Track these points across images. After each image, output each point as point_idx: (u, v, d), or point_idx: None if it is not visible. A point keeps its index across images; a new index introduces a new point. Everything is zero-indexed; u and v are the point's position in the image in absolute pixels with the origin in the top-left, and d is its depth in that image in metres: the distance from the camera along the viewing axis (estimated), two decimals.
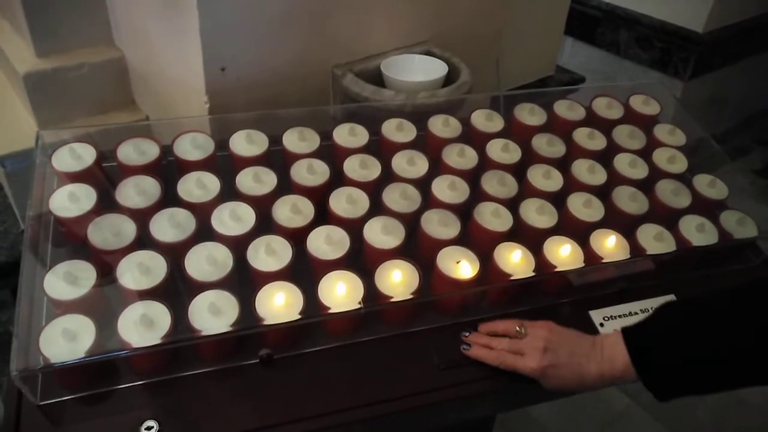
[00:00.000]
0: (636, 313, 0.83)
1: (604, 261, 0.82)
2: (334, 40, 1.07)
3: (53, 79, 1.09)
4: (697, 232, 0.88)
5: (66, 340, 0.64)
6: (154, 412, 0.66)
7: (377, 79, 1.11)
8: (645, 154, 1.01)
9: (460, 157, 0.93)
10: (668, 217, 0.91)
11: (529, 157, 0.97)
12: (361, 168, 0.89)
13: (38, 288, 0.69)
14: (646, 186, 0.94)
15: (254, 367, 0.71)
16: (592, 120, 1.08)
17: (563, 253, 0.82)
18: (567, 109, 1.08)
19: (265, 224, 0.79)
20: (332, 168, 0.88)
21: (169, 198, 0.81)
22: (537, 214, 0.86)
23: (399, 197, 0.85)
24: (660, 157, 1.00)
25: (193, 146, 0.87)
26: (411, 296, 0.74)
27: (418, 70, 1.13)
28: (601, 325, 0.81)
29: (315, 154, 0.90)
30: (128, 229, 0.76)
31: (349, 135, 0.94)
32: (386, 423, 0.71)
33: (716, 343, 0.63)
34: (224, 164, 0.88)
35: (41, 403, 0.65)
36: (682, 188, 0.95)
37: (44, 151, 0.85)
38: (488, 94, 1.13)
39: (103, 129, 1.00)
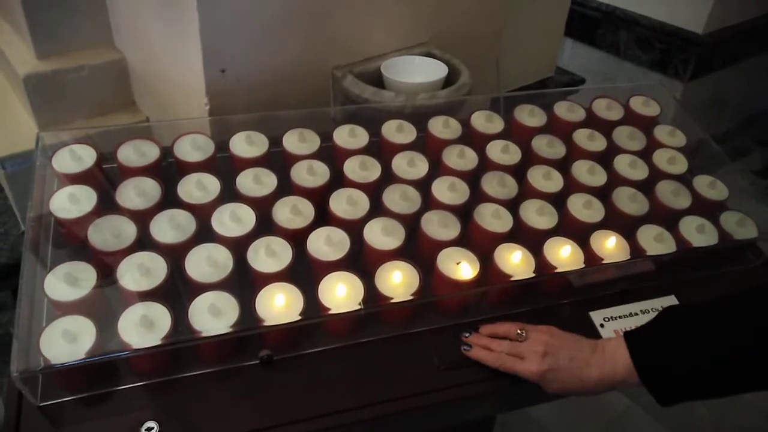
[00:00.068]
0: (636, 314, 0.83)
1: (604, 262, 0.82)
2: (334, 42, 1.07)
3: (53, 81, 1.09)
4: (698, 233, 0.88)
5: (66, 342, 0.64)
6: (154, 413, 0.66)
7: (377, 80, 1.11)
8: (645, 155, 1.01)
9: (460, 158, 0.93)
10: (668, 218, 0.91)
11: (529, 158, 0.97)
12: (361, 169, 0.89)
13: (39, 289, 0.69)
14: (646, 187, 0.94)
15: (254, 368, 0.71)
16: (592, 121, 1.08)
17: (563, 254, 0.82)
18: (567, 111, 1.08)
19: (266, 225, 0.79)
20: (332, 169, 0.88)
21: (170, 199, 0.81)
22: (537, 215, 0.86)
23: (399, 198, 0.85)
24: (660, 158, 1.00)
25: (193, 147, 0.88)
26: (411, 297, 0.74)
27: (418, 72, 1.14)
28: (602, 325, 0.81)
29: (315, 156, 0.90)
30: (128, 230, 0.76)
31: (349, 136, 0.94)
32: (386, 424, 0.71)
33: (719, 347, 0.63)
34: (224, 165, 0.88)
35: (41, 404, 0.65)
36: (682, 189, 0.95)
37: (44, 153, 0.85)
38: (488, 95, 1.13)
39: (103, 130, 1.00)
